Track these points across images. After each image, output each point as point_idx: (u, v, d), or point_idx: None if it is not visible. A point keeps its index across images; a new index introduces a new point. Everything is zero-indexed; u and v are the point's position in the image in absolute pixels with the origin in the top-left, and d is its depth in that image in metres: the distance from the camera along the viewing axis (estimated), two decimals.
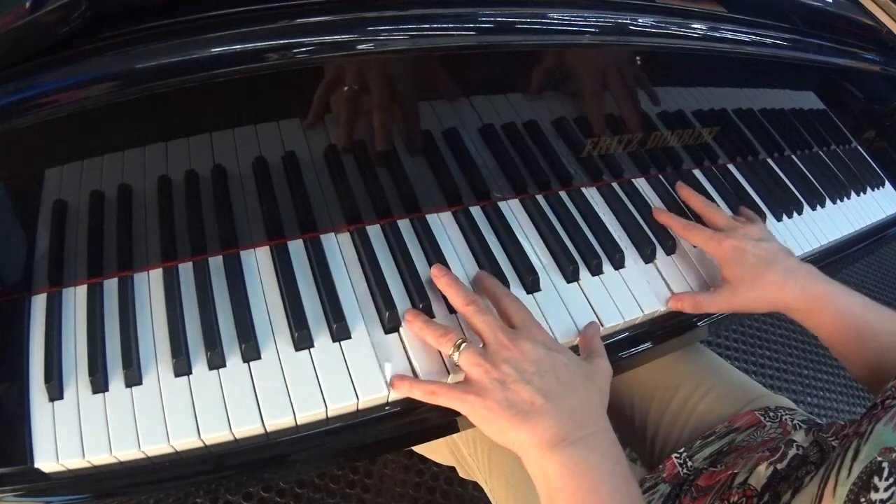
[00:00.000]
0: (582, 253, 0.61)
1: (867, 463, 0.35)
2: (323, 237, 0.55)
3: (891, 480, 0.34)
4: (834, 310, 0.55)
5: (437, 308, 0.53)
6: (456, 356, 0.46)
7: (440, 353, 0.50)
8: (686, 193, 0.68)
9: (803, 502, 0.41)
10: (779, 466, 0.50)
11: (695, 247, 0.66)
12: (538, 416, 0.43)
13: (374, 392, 0.48)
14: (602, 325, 0.56)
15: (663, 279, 0.62)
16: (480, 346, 0.47)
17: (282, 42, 0.41)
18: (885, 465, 0.35)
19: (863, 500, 0.34)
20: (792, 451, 0.52)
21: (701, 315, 0.65)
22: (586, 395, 0.46)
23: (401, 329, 0.51)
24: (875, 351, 0.54)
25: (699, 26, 0.58)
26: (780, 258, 0.58)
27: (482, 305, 0.49)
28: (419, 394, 0.47)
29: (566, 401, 0.44)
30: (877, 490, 0.34)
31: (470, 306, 0.48)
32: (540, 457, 0.42)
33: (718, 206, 0.68)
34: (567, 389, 0.45)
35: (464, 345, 0.46)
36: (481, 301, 0.49)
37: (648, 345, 0.61)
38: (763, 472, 0.51)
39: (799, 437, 0.55)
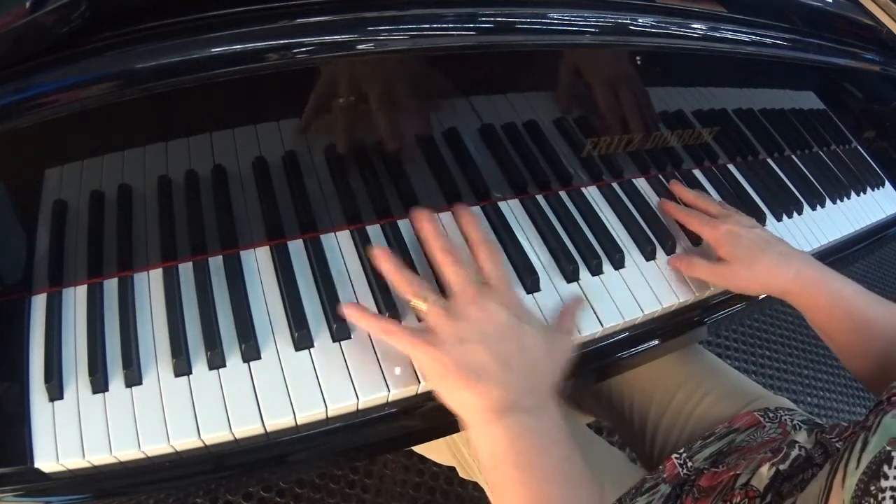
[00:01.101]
0: (582, 253, 0.61)
1: (876, 453, 0.35)
2: (323, 237, 0.55)
3: None
4: (829, 294, 0.55)
5: None
6: (419, 304, 0.45)
7: None
8: (678, 189, 0.70)
9: (810, 497, 0.41)
10: (781, 467, 0.50)
11: (695, 245, 0.66)
12: (489, 381, 0.42)
13: (374, 392, 0.48)
14: (602, 325, 0.56)
15: (664, 279, 0.62)
16: (448, 299, 0.46)
17: (282, 42, 0.41)
18: (894, 453, 0.35)
19: (873, 488, 0.34)
20: (794, 452, 0.52)
21: (701, 315, 0.65)
22: (543, 368, 0.45)
23: None
24: (868, 339, 0.54)
25: (699, 26, 0.58)
26: (774, 243, 0.59)
27: (458, 257, 0.48)
28: (373, 327, 0.46)
29: (522, 372, 0.43)
30: (886, 478, 0.34)
31: (447, 256, 0.47)
32: (486, 422, 0.41)
33: (710, 196, 0.68)
34: (525, 360, 0.44)
35: (430, 296, 0.45)
36: (459, 254, 0.48)
37: (648, 345, 0.61)
38: (766, 473, 0.51)
39: (801, 437, 0.55)
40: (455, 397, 0.43)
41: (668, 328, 0.63)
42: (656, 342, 0.62)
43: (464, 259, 0.48)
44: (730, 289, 0.61)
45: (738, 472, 0.53)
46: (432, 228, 0.50)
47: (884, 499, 0.33)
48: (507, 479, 0.41)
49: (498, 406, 0.41)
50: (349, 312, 0.47)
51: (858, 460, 0.36)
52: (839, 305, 0.55)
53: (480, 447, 0.42)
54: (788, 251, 0.59)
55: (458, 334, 0.43)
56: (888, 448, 0.35)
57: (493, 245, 0.51)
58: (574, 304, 0.55)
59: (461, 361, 0.42)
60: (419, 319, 0.49)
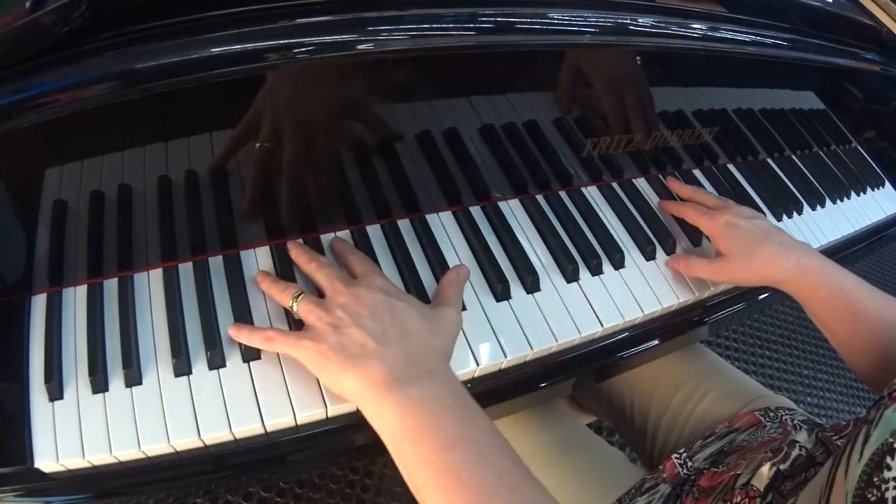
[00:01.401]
0: (582, 253, 0.61)
1: (879, 444, 0.35)
2: (322, 237, 0.55)
3: None
4: (828, 284, 0.55)
5: None
6: (295, 307, 0.46)
7: None
8: (675, 185, 0.70)
9: (813, 491, 0.41)
10: (782, 467, 0.50)
11: (695, 244, 0.66)
12: (369, 358, 0.42)
13: None
14: (602, 326, 0.56)
15: (664, 279, 0.62)
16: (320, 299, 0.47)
17: (282, 42, 0.41)
18: None
19: (876, 479, 0.34)
20: (795, 452, 0.52)
21: (701, 315, 0.65)
22: (423, 338, 0.45)
23: None
24: (867, 331, 0.54)
25: (699, 26, 0.58)
26: (773, 233, 0.59)
27: (323, 261, 0.49)
28: (257, 341, 0.46)
29: (400, 343, 0.43)
30: (889, 469, 0.34)
31: (312, 263, 0.49)
32: (375, 400, 0.41)
33: (707, 190, 0.69)
34: (401, 333, 0.44)
35: (301, 295, 0.46)
36: (324, 259, 0.50)
37: (648, 345, 0.61)
38: (766, 472, 0.51)
39: (801, 437, 0.55)
40: (340, 382, 0.43)
41: (669, 328, 0.63)
42: (656, 342, 0.62)
43: (329, 262, 0.50)
44: (730, 283, 0.61)
45: (738, 472, 0.53)
46: (299, 248, 0.52)
47: (887, 489, 0.33)
48: (409, 458, 0.40)
49: (381, 381, 0.41)
50: (233, 334, 0.47)
51: (861, 452, 0.36)
52: (839, 296, 0.55)
53: (378, 429, 0.42)
54: (788, 241, 0.58)
55: (333, 323, 0.44)
56: (891, 440, 0.35)
57: (357, 251, 0.53)
58: (449, 273, 0.53)
59: (338, 346, 0.42)
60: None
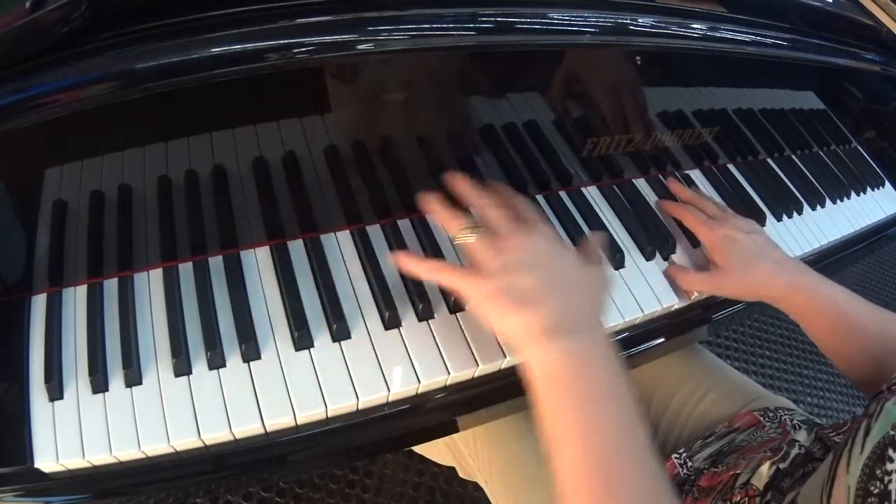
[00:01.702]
0: None
1: (881, 437, 0.35)
2: (323, 237, 0.55)
3: None
4: (820, 299, 0.56)
5: (438, 308, 0.53)
6: (463, 239, 0.47)
7: (440, 350, 0.50)
8: (677, 188, 0.70)
9: (814, 486, 0.41)
10: (781, 466, 0.51)
11: (694, 246, 0.66)
12: (537, 304, 0.43)
13: (373, 392, 0.48)
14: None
15: (663, 279, 0.62)
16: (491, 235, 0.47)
17: (282, 42, 0.41)
18: None
19: (878, 471, 0.34)
20: (794, 451, 0.52)
21: (700, 315, 0.65)
22: (585, 294, 0.46)
23: (401, 328, 0.51)
24: (860, 342, 0.55)
25: (699, 26, 0.58)
26: (768, 250, 0.59)
27: (496, 201, 0.49)
28: (423, 270, 0.48)
29: (566, 294, 0.44)
30: (892, 461, 0.34)
31: (484, 200, 0.49)
32: (536, 344, 0.42)
33: (708, 196, 0.69)
34: (568, 285, 0.45)
35: (478, 229, 0.47)
36: (495, 198, 0.50)
37: (648, 344, 0.61)
38: (766, 471, 0.51)
39: (801, 436, 0.55)
40: (507, 322, 0.43)
41: (668, 328, 0.63)
42: (656, 342, 0.62)
43: (501, 203, 0.50)
44: (724, 296, 0.62)
45: (738, 472, 0.53)
46: (466, 183, 0.52)
47: (890, 481, 0.33)
48: (555, 400, 0.41)
49: (547, 328, 0.42)
50: (397, 261, 0.49)
51: (862, 446, 0.36)
52: (831, 310, 0.56)
53: (531, 370, 0.43)
54: (783, 258, 0.59)
55: (504, 265, 0.44)
56: (892, 432, 0.35)
57: (521, 196, 0.53)
58: (595, 237, 0.56)
59: (509, 288, 0.43)
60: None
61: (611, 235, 0.63)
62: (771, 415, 0.65)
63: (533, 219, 0.49)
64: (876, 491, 0.33)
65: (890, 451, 0.34)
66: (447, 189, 0.52)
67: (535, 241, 0.46)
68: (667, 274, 0.62)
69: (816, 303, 0.56)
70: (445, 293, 0.53)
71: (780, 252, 0.60)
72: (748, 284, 0.58)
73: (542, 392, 0.42)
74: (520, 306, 0.43)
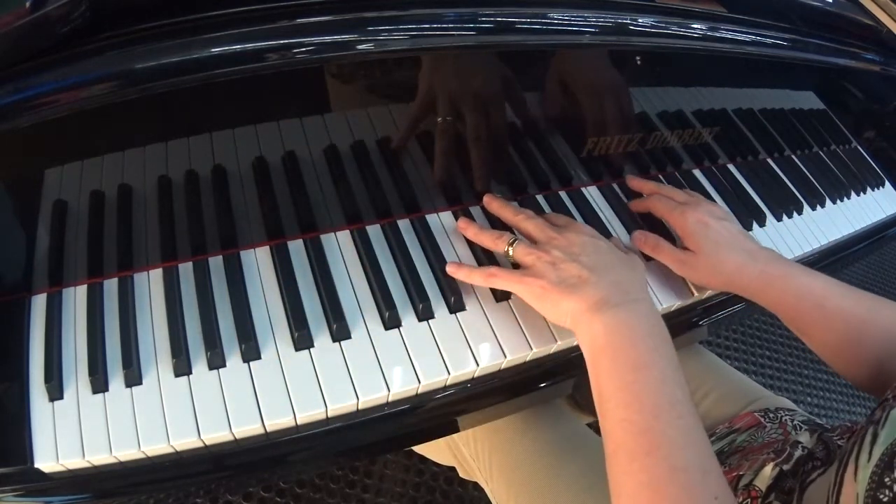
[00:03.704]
0: None
1: (888, 444, 0.35)
2: (323, 237, 0.55)
3: None
4: (795, 289, 0.54)
5: (438, 308, 0.53)
6: (510, 251, 0.53)
7: (439, 350, 0.50)
8: (637, 182, 0.68)
9: (820, 492, 0.41)
10: (785, 467, 0.50)
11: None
12: (585, 286, 0.48)
13: (374, 392, 0.48)
14: None
15: (663, 279, 0.62)
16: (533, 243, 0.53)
17: (282, 42, 0.41)
18: None
19: (887, 479, 0.34)
20: (798, 453, 0.52)
21: (700, 315, 0.65)
22: (627, 271, 0.51)
23: (401, 328, 0.51)
24: (842, 330, 0.53)
25: (699, 26, 0.58)
26: (741, 240, 0.58)
27: (530, 213, 0.56)
28: (478, 278, 0.53)
29: (609, 272, 0.49)
30: None
31: (520, 215, 0.56)
32: (588, 320, 0.46)
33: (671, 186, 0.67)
34: (609, 265, 0.50)
35: (517, 241, 0.53)
36: (529, 211, 0.57)
37: None
38: (769, 473, 0.51)
39: (804, 438, 0.54)
40: (561, 308, 0.48)
41: (669, 328, 0.62)
42: None
43: (535, 215, 0.56)
44: (690, 280, 0.60)
45: (740, 473, 0.53)
46: (501, 203, 0.58)
47: None
48: (603, 370, 0.45)
49: (594, 303, 0.47)
50: (452, 271, 0.54)
51: (870, 453, 0.36)
52: (808, 299, 0.54)
53: (583, 344, 0.47)
54: (755, 249, 0.57)
55: (550, 261, 0.50)
56: None
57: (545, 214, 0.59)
58: (637, 235, 0.61)
59: (558, 279, 0.49)
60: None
61: (611, 235, 0.63)
62: (771, 415, 0.65)
63: (567, 222, 0.55)
64: (885, 499, 0.33)
65: None
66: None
67: (572, 236, 0.51)
68: (635, 240, 0.61)
69: (790, 294, 0.54)
70: (445, 293, 0.53)
71: (754, 242, 0.58)
72: (719, 273, 0.57)
73: (591, 361, 0.46)
74: (569, 292, 0.48)
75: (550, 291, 0.48)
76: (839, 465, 0.39)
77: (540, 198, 0.64)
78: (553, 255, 0.50)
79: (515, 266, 0.53)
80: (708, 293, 0.63)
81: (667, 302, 0.60)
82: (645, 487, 0.39)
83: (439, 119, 0.53)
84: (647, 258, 0.61)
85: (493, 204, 0.58)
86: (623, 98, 0.62)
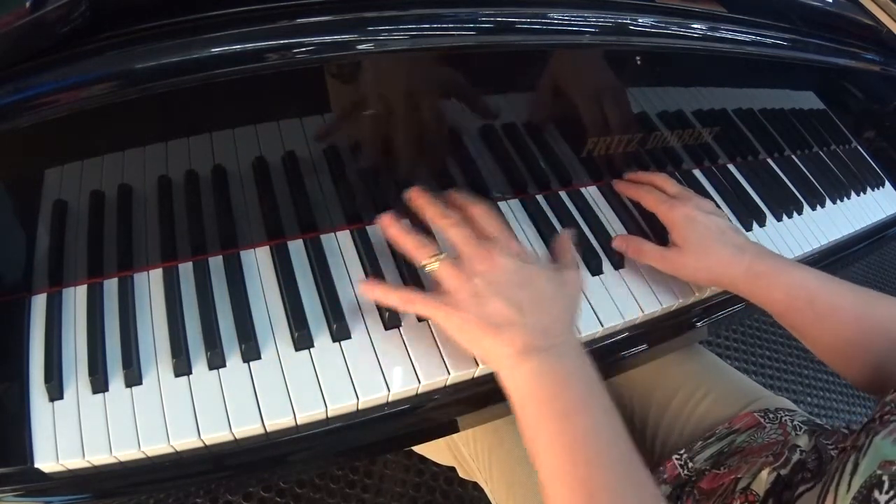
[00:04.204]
0: (582, 252, 0.61)
1: (867, 476, 0.35)
2: (323, 237, 0.55)
3: (891, 493, 0.33)
4: (784, 285, 0.53)
5: None
6: (431, 267, 0.47)
7: (440, 350, 0.50)
8: (631, 175, 0.67)
9: None
10: (782, 472, 0.50)
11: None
12: (510, 327, 0.44)
13: (374, 392, 0.48)
14: (602, 326, 0.56)
15: (664, 279, 0.62)
16: (456, 258, 0.47)
17: (282, 42, 0.41)
18: (885, 477, 0.34)
19: None
20: (795, 457, 0.51)
21: (700, 315, 0.65)
22: (556, 306, 0.47)
23: (401, 328, 0.51)
24: (835, 328, 0.52)
25: (699, 26, 0.58)
26: (729, 234, 0.57)
27: (458, 219, 0.49)
28: (395, 300, 0.48)
29: (537, 312, 0.45)
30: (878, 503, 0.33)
31: (446, 219, 0.49)
32: (512, 365, 0.44)
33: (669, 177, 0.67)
34: (538, 302, 0.46)
35: (442, 257, 0.47)
36: (457, 216, 0.50)
37: (648, 345, 0.61)
38: (765, 477, 0.50)
39: (802, 441, 0.54)
40: (483, 347, 0.45)
41: (669, 328, 0.63)
42: (656, 343, 0.62)
43: (463, 221, 0.49)
44: (679, 276, 0.59)
45: (738, 476, 0.53)
46: (425, 198, 0.51)
47: None
48: (533, 418, 0.43)
49: (519, 348, 0.43)
50: (365, 290, 0.49)
51: (849, 484, 0.35)
52: (798, 296, 0.53)
53: (508, 390, 0.44)
54: (744, 244, 0.56)
55: (474, 290, 0.45)
56: (879, 472, 0.34)
57: (480, 203, 0.52)
58: (563, 239, 0.55)
59: (481, 315, 0.44)
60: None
61: (610, 235, 0.63)
62: (771, 416, 0.65)
63: (496, 234, 0.49)
64: None
65: (875, 494, 0.34)
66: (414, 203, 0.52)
67: (501, 261, 0.46)
68: (616, 244, 0.60)
69: (779, 290, 0.53)
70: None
71: (742, 237, 0.57)
72: (706, 267, 0.56)
73: (520, 409, 0.43)
74: (492, 331, 0.44)
75: (472, 325, 0.44)
76: (821, 491, 0.38)
77: (540, 198, 0.64)
78: (477, 283, 0.45)
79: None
80: (707, 293, 0.63)
81: (667, 302, 0.60)
82: None
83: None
84: None
85: (419, 199, 0.51)
86: (623, 98, 0.62)
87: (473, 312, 0.44)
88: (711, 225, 0.57)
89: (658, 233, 0.64)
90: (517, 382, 0.44)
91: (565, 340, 0.45)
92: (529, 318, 0.44)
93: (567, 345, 0.45)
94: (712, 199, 0.73)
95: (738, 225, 0.71)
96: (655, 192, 0.62)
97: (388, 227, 0.50)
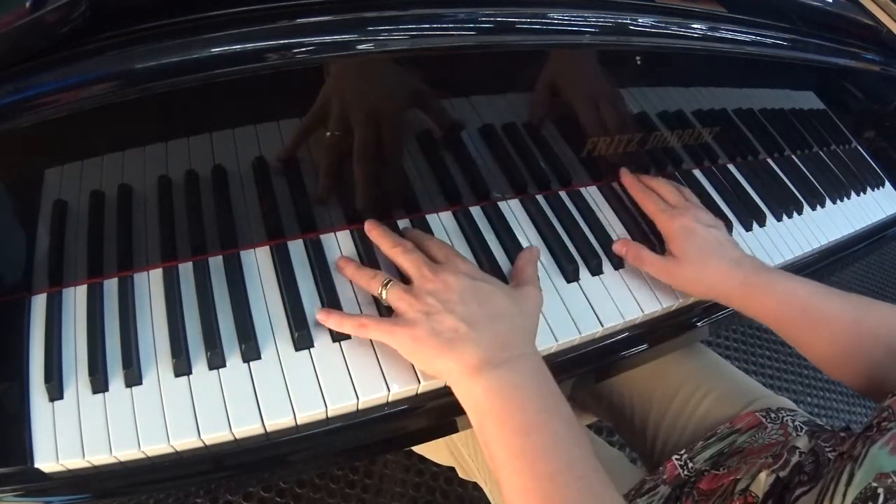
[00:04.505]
0: (582, 253, 0.61)
1: (861, 489, 0.34)
2: (323, 237, 0.55)
3: None
4: (777, 294, 0.54)
5: None
6: (384, 294, 0.48)
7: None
8: (632, 179, 0.67)
9: None
10: (781, 474, 0.50)
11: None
12: (462, 342, 0.44)
13: (373, 392, 0.48)
14: (602, 325, 0.56)
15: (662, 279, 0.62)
16: (408, 285, 0.48)
17: (282, 42, 0.41)
18: (880, 490, 0.34)
19: None
20: (794, 458, 0.51)
21: (700, 315, 0.65)
22: (511, 320, 0.47)
23: None
24: (829, 335, 0.52)
25: (699, 26, 0.58)
26: (727, 248, 0.57)
27: (408, 246, 0.51)
28: (349, 327, 0.48)
29: (490, 326, 0.45)
30: None
31: (396, 248, 0.51)
32: (467, 381, 0.43)
33: (674, 183, 0.67)
34: (491, 316, 0.46)
35: (390, 283, 0.48)
36: (408, 244, 0.51)
37: (648, 345, 0.61)
38: (764, 479, 0.50)
39: (801, 443, 0.54)
40: (435, 365, 0.45)
41: (669, 328, 0.63)
42: (656, 342, 0.62)
43: (413, 247, 0.51)
44: (674, 286, 0.60)
45: (738, 477, 0.53)
46: (379, 231, 0.53)
47: None
48: (492, 432, 0.42)
49: (474, 364, 0.43)
50: (321, 318, 0.49)
51: (844, 495, 0.35)
52: (791, 304, 0.53)
53: (466, 407, 0.44)
54: (740, 257, 0.57)
55: (424, 309, 0.45)
56: (874, 484, 0.34)
57: (433, 237, 0.55)
58: (523, 255, 0.55)
59: (432, 332, 0.44)
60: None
61: (610, 235, 0.63)
62: (773, 415, 0.64)
63: (446, 257, 0.50)
64: None
65: None
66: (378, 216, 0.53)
67: (450, 279, 0.47)
68: (617, 248, 0.60)
69: (772, 299, 0.54)
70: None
71: (740, 251, 0.58)
72: (702, 280, 0.56)
73: (477, 425, 0.43)
74: (445, 348, 0.44)
75: (424, 344, 0.44)
76: (818, 497, 0.38)
77: (540, 198, 0.64)
78: (426, 302, 0.45)
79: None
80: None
81: (667, 302, 0.60)
82: None
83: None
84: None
85: (373, 232, 0.53)
86: (623, 98, 0.62)
87: (424, 330, 0.44)
88: (710, 237, 0.57)
89: (658, 234, 0.64)
90: (475, 398, 0.43)
91: (522, 354, 0.45)
92: (483, 332, 0.44)
93: (524, 358, 0.45)
94: (712, 199, 0.73)
95: (739, 225, 0.71)
96: (656, 199, 0.62)
97: (344, 269, 0.52)
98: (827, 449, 0.52)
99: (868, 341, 0.51)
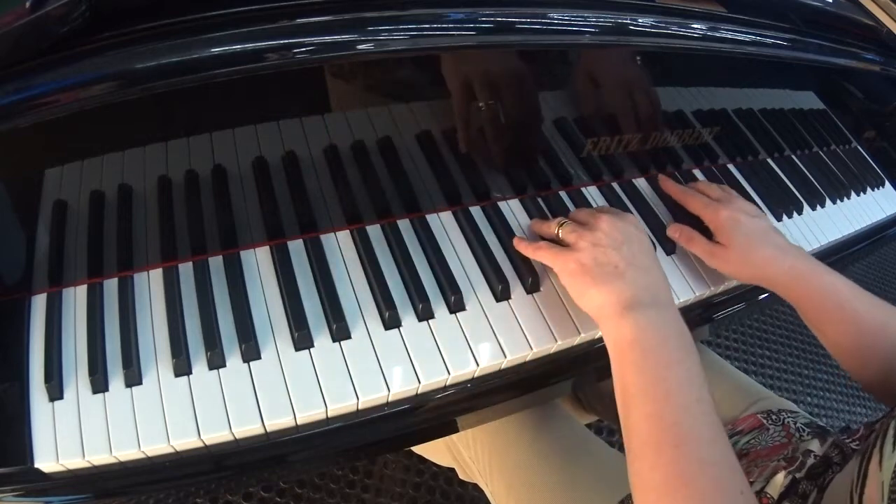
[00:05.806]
0: None
1: None
2: (323, 237, 0.55)
3: None
4: (820, 286, 0.56)
5: (438, 308, 0.53)
6: (560, 232, 0.54)
7: (439, 350, 0.50)
8: (671, 183, 0.69)
9: (842, 488, 0.41)
10: (797, 475, 0.50)
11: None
12: (618, 280, 0.48)
13: (373, 392, 0.48)
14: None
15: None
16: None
17: (282, 42, 0.41)
18: None
19: None
20: (810, 461, 0.52)
21: (702, 313, 0.65)
22: (661, 274, 0.52)
23: (401, 328, 0.51)
24: (857, 332, 0.55)
25: (699, 26, 0.58)
26: (772, 236, 0.60)
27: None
28: (524, 248, 0.56)
29: (644, 272, 0.50)
30: None
31: (563, 224, 0.55)
32: (616, 315, 0.47)
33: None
34: (646, 264, 0.51)
35: (565, 223, 0.54)
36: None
37: None
38: (780, 481, 0.51)
39: (814, 446, 0.54)
40: (589, 295, 0.49)
41: None
42: None
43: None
44: (721, 271, 0.61)
45: (751, 480, 0.53)
46: (536, 219, 0.60)
47: None
48: (630, 364, 0.46)
49: (626, 300, 0.47)
50: (518, 245, 0.56)
51: (894, 443, 0.36)
52: (830, 298, 0.55)
53: (609, 339, 0.48)
54: (785, 245, 0.59)
55: (594, 241, 0.51)
56: None
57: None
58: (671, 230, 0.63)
59: (596, 261, 0.49)
60: None
61: None
62: (774, 417, 0.64)
63: (620, 212, 0.56)
64: None
65: None
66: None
67: (620, 225, 0.52)
68: (670, 231, 0.64)
69: (815, 290, 0.56)
70: (445, 293, 0.53)
71: (783, 238, 0.60)
72: (749, 266, 0.58)
73: (617, 355, 0.47)
74: (602, 282, 0.48)
75: (585, 273, 0.49)
76: (862, 457, 0.39)
77: (540, 198, 0.64)
78: (596, 235, 0.51)
79: None
80: (709, 293, 0.63)
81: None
82: (675, 479, 0.40)
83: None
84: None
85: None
86: (625, 99, 0.62)
87: (590, 256, 0.49)
88: (755, 226, 0.60)
89: (659, 234, 0.65)
90: (622, 332, 0.46)
91: (666, 303, 0.49)
92: (638, 276, 0.49)
93: (667, 306, 0.49)
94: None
95: None
96: (699, 196, 0.64)
97: (532, 227, 0.59)
98: (849, 442, 0.52)
99: (887, 349, 0.53)
